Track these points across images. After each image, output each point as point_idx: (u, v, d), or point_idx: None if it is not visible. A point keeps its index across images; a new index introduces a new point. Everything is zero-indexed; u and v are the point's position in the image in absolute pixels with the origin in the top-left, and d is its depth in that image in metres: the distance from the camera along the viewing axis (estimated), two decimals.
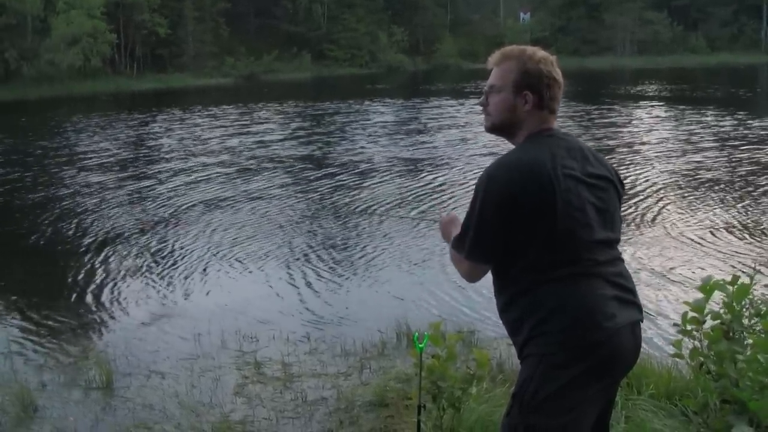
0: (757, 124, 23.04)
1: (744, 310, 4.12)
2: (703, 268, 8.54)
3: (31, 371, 6.33)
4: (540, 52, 2.68)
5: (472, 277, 2.69)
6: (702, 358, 3.98)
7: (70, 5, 50.10)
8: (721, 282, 3.98)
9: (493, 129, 2.75)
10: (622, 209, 2.82)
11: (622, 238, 2.78)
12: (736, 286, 3.94)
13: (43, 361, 6.62)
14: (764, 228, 10.56)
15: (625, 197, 2.97)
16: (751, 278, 4.25)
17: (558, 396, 2.43)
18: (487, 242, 2.52)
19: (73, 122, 29.42)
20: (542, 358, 2.47)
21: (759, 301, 4.56)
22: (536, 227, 2.44)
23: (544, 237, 2.44)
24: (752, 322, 4.26)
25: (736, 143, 19.12)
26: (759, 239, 9.95)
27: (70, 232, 11.75)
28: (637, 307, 2.61)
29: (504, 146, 2.67)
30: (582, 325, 2.42)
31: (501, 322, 2.68)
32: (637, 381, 4.55)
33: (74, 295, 8.64)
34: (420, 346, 3.79)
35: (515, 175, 2.45)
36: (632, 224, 10.70)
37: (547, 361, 2.46)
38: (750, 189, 13.39)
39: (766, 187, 13.43)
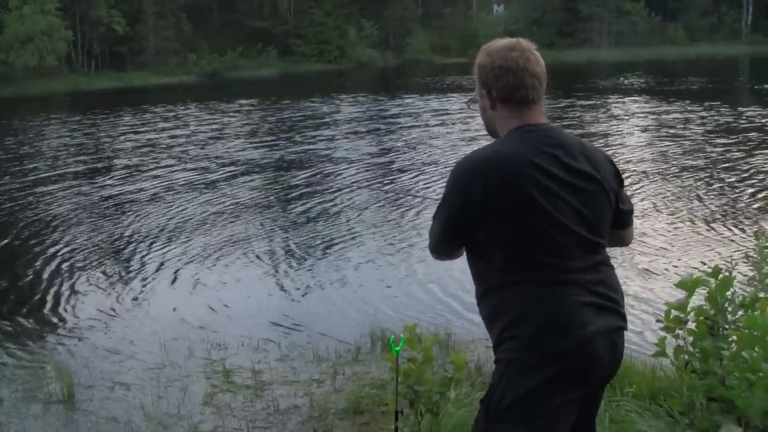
0: (737, 116, 23.20)
1: (727, 304, 4.04)
2: (683, 263, 8.53)
3: None
4: (498, 42, 2.57)
5: (437, 257, 2.75)
6: (686, 356, 3.90)
7: (23, 1, 49.20)
8: (703, 278, 3.91)
9: (489, 134, 2.69)
10: None
11: None
12: (718, 280, 3.86)
13: None
14: (741, 221, 10.58)
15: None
16: (730, 272, 4.18)
17: (522, 403, 2.37)
18: (443, 236, 2.54)
19: (28, 124, 28.81)
20: (509, 364, 2.41)
21: (740, 294, 4.49)
22: (499, 226, 2.38)
23: (508, 237, 2.38)
24: (736, 317, 4.19)
25: (716, 136, 19.19)
26: (736, 232, 9.95)
27: (27, 240, 11.42)
28: (619, 314, 2.50)
29: (483, 141, 2.52)
30: (548, 332, 2.35)
31: (480, 323, 2.63)
32: (619, 381, 4.49)
33: (32, 305, 8.39)
34: (396, 349, 3.74)
35: (478, 171, 2.38)
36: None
37: (512, 366, 2.40)
38: (729, 182, 13.41)
39: (744, 180, 13.46)
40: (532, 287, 2.37)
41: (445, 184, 2.50)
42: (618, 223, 2.63)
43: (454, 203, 2.43)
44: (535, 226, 2.35)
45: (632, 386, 4.48)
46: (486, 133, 2.66)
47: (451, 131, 22.44)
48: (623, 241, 2.80)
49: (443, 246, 2.59)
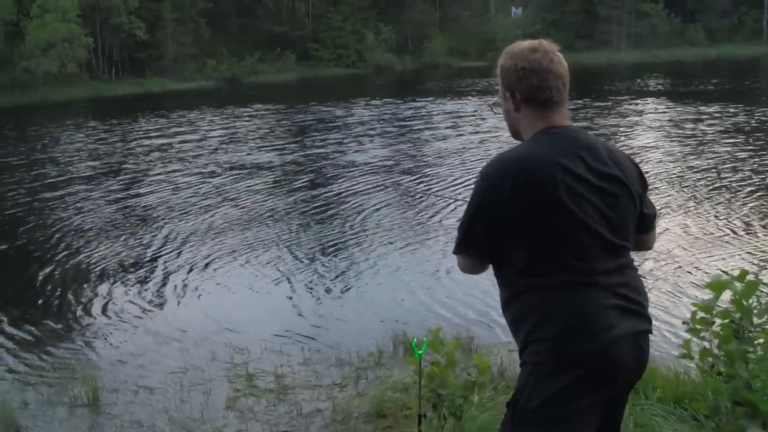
0: (759, 118, 22.98)
1: (753, 307, 4.01)
2: (704, 266, 8.49)
3: (12, 389, 6.18)
4: (521, 44, 2.55)
5: (464, 269, 2.64)
6: (712, 359, 3.87)
7: (44, 9, 49.28)
8: (731, 280, 3.87)
9: (512, 137, 2.67)
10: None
11: None
12: (744, 282, 3.83)
13: (25, 378, 6.46)
14: (761, 224, 10.51)
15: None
16: (756, 275, 4.13)
17: (548, 406, 2.35)
18: (469, 239, 2.49)
19: (47, 131, 28.96)
20: (535, 366, 2.40)
21: (766, 298, 4.45)
22: (525, 228, 2.36)
23: (534, 239, 2.36)
24: (762, 320, 4.16)
25: (739, 139, 19.03)
26: (758, 235, 9.87)
27: (49, 245, 11.49)
28: (644, 317, 2.48)
29: (505, 144, 2.52)
30: (574, 334, 2.33)
31: (503, 326, 2.63)
32: (643, 385, 4.45)
33: (57, 310, 8.45)
34: (419, 353, 3.73)
35: (506, 173, 2.36)
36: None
37: (538, 369, 2.38)
38: (750, 184, 13.29)
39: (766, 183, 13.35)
40: (557, 290, 2.35)
41: (472, 185, 2.47)
42: (641, 227, 2.60)
43: (482, 204, 2.41)
44: (561, 228, 2.34)
45: (656, 390, 4.44)
46: (500, 134, 2.65)
47: (469, 133, 22.47)
48: (645, 245, 2.77)
49: (467, 249, 2.53)
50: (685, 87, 36.81)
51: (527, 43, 2.53)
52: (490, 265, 2.57)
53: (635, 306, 2.43)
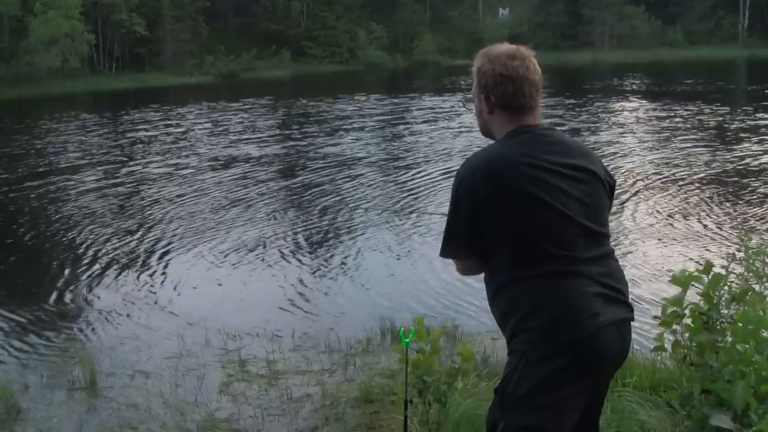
0: (733, 118, 23.20)
1: (722, 298, 4.12)
2: (680, 260, 8.59)
3: (13, 372, 6.29)
4: (499, 48, 2.61)
5: (462, 272, 2.74)
6: (685, 351, 3.99)
7: (48, 5, 49.83)
8: (696, 273, 3.98)
9: (483, 134, 2.75)
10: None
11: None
12: (710, 275, 3.94)
13: (25, 362, 6.58)
14: (733, 218, 10.72)
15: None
16: (726, 268, 4.26)
17: (536, 393, 2.42)
18: (455, 241, 2.56)
19: (52, 123, 29.08)
20: (522, 355, 2.46)
21: (735, 288, 4.57)
22: (504, 224, 2.44)
23: (513, 234, 2.44)
24: (730, 310, 4.27)
25: (713, 138, 19.25)
26: (733, 230, 10.02)
27: (50, 231, 11.68)
28: (627, 305, 2.56)
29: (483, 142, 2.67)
30: (561, 323, 2.40)
31: (486, 315, 2.71)
32: (621, 373, 4.48)
33: (55, 295, 8.56)
34: (406, 340, 3.77)
35: (478, 173, 2.45)
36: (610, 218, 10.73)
37: (526, 357, 2.44)
38: (725, 182, 13.50)
39: (740, 181, 13.58)
40: (542, 280, 2.42)
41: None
42: None
43: (460, 205, 2.49)
44: (537, 220, 2.41)
45: (633, 377, 4.53)
46: (473, 128, 2.74)
47: (443, 127, 22.95)
48: None
49: (453, 250, 2.61)
50: (659, 87, 37.04)
51: (505, 48, 2.59)
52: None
53: (618, 294, 2.51)
